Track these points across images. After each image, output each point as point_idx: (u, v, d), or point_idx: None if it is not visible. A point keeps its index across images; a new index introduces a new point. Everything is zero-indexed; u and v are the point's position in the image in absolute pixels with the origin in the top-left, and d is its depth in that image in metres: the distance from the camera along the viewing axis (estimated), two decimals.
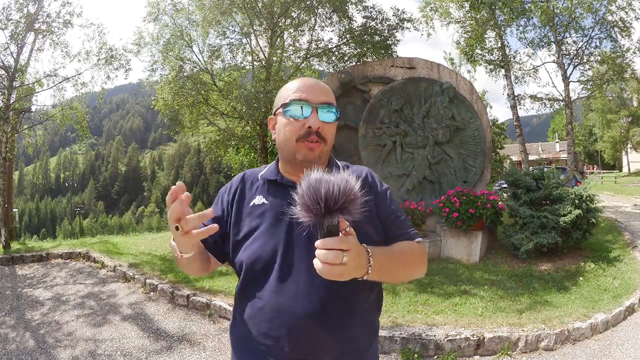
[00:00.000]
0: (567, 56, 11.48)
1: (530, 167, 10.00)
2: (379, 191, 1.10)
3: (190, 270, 1.04)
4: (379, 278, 0.91)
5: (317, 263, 0.77)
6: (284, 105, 1.03)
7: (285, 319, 0.94)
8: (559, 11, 10.68)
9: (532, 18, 11.27)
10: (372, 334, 1.06)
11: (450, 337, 3.34)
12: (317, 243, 0.77)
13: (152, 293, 4.86)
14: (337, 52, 9.45)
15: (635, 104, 27.78)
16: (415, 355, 3.26)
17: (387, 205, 1.09)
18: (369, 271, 0.85)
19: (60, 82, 8.08)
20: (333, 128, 1.07)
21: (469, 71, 17.46)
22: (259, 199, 1.06)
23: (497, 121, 25.07)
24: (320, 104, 1.03)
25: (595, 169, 33.46)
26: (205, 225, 0.98)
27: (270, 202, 1.05)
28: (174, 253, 0.96)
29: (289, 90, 1.05)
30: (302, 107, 1.01)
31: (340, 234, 0.78)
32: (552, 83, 19.38)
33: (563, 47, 11.35)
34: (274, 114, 1.10)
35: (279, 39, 9.03)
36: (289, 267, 0.97)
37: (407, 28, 9.38)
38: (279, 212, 1.01)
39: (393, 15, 9.37)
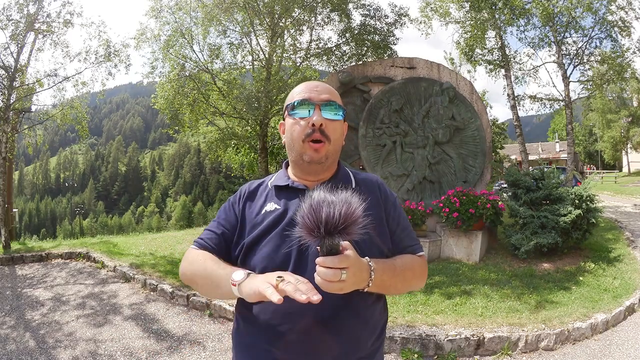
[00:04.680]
0: (567, 56, 11.47)
1: (530, 167, 10.00)
2: (389, 202, 1.12)
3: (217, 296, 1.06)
4: (377, 290, 0.96)
5: (317, 278, 0.80)
6: (290, 107, 1.07)
7: (297, 323, 0.94)
8: (558, 10, 10.68)
9: (532, 18, 11.26)
10: (379, 340, 1.06)
11: (450, 337, 3.34)
12: (318, 260, 0.80)
13: (152, 293, 4.86)
14: (337, 52, 9.46)
15: (635, 104, 27.77)
16: (415, 355, 3.27)
17: (395, 215, 1.11)
18: (370, 284, 0.89)
19: (60, 82, 8.08)
20: (338, 126, 1.08)
21: (469, 71, 17.47)
22: (270, 206, 1.07)
23: (497, 121, 25.12)
24: (323, 101, 1.05)
25: (591, 168, 33.41)
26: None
27: (282, 207, 1.05)
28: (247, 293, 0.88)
29: (294, 93, 1.09)
30: (306, 106, 1.04)
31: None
32: (552, 83, 19.39)
33: (563, 47, 11.34)
34: (283, 119, 1.13)
35: (279, 38, 9.02)
36: (302, 271, 0.96)
37: (404, 24, 9.43)
38: (291, 216, 1.02)
39: (391, 12, 9.41)
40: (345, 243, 0.82)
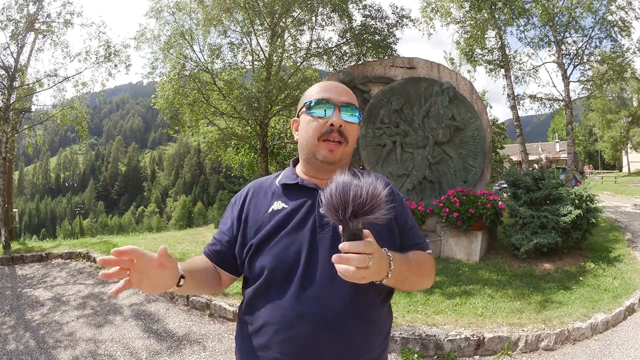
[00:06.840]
0: (567, 56, 11.47)
1: (530, 167, 10.01)
2: (398, 199, 1.11)
3: (198, 292, 1.04)
4: (394, 283, 0.92)
5: (339, 266, 0.77)
6: (308, 106, 1.05)
7: (302, 326, 0.92)
8: (558, 10, 10.68)
9: (532, 18, 11.26)
10: (384, 343, 1.05)
11: (450, 337, 3.34)
12: (343, 246, 0.76)
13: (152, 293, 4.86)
14: (337, 52, 9.46)
15: (635, 104, 27.76)
16: (415, 355, 3.27)
17: (404, 213, 1.10)
18: (389, 275, 0.86)
19: (60, 82, 8.08)
20: (355, 129, 1.08)
21: (469, 71, 17.49)
22: (277, 204, 1.04)
23: (497, 121, 25.11)
24: (343, 103, 1.04)
25: (590, 168, 33.42)
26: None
27: (291, 206, 1.02)
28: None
29: (313, 91, 1.08)
30: (325, 105, 1.03)
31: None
32: (552, 83, 19.37)
33: (563, 47, 11.34)
34: (297, 116, 1.11)
35: (279, 38, 9.02)
36: (312, 272, 0.95)
37: (405, 25, 9.43)
38: (301, 215, 1.00)
39: (392, 13, 9.41)
40: (366, 231, 0.80)
